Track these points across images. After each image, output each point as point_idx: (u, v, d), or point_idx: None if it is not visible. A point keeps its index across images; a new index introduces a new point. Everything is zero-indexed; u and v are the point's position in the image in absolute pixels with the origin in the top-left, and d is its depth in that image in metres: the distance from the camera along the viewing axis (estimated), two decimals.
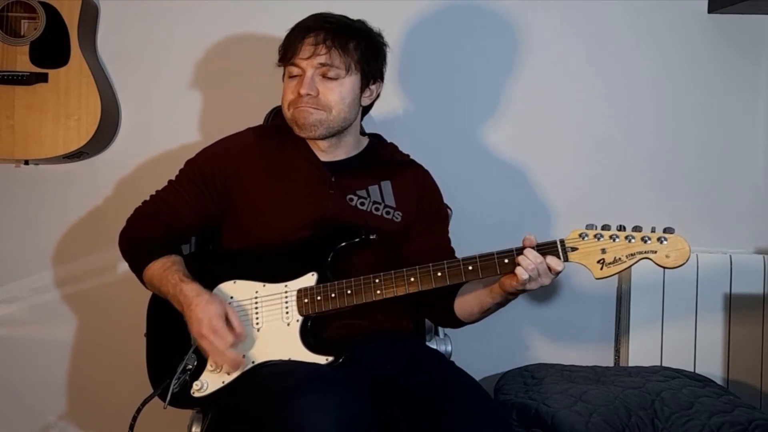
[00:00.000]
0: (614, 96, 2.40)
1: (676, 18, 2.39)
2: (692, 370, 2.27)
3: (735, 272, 2.34)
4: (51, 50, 2.17)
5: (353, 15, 1.81)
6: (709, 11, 2.38)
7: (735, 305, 2.34)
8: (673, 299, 2.33)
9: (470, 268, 1.61)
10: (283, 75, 1.79)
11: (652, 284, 2.33)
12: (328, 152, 1.81)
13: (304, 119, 1.73)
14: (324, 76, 1.72)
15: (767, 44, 2.41)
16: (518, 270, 1.56)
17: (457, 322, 1.80)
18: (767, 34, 2.40)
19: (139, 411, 1.66)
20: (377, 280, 1.64)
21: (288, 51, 1.74)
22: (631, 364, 2.32)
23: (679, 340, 2.33)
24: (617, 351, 2.41)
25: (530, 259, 1.56)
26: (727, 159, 2.42)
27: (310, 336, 1.66)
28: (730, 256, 2.35)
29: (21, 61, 2.16)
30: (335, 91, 1.73)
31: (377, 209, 1.79)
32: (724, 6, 2.32)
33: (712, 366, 2.33)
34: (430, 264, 1.63)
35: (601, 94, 2.40)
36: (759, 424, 1.86)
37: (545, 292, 2.42)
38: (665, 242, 1.53)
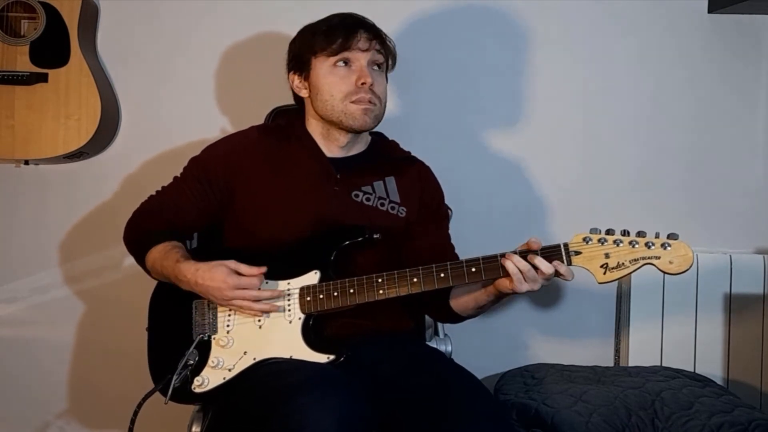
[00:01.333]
0: (614, 96, 2.41)
1: (676, 18, 2.39)
2: (692, 370, 2.27)
3: (735, 272, 2.34)
4: (51, 50, 2.17)
5: (364, 13, 1.82)
6: (709, 11, 2.39)
7: (735, 305, 2.34)
8: (673, 299, 2.33)
9: (473, 269, 1.61)
10: (304, 71, 1.78)
11: (652, 284, 2.33)
12: (345, 148, 1.82)
13: (365, 114, 1.74)
14: (374, 67, 1.76)
15: (767, 44, 2.41)
16: (511, 273, 1.57)
17: (454, 317, 1.81)
18: (767, 34, 2.40)
19: (140, 406, 1.66)
20: (380, 280, 1.64)
21: (341, 42, 1.73)
22: (631, 364, 2.33)
23: (679, 340, 2.34)
24: (617, 351, 2.41)
25: (515, 264, 1.56)
26: (727, 159, 2.43)
27: (312, 334, 1.66)
28: (730, 256, 2.35)
29: (21, 61, 2.16)
30: (383, 84, 1.78)
31: (382, 204, 1.80)
32: (724, 6, 2.32)
33: (712, 366, 2.33)
34: (433, 265, 1.63)
35: (600, 94, 2.40)
36: (759, 424, 1.86)
37: (545, 292, 2.41)
38: (669, 248, 1.53)
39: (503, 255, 1.60)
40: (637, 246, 1.53)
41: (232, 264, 1.64)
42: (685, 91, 2.41)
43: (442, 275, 1.62)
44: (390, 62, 1.81)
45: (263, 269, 1.64)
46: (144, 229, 1.80)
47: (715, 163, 2.43)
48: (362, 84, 1.73)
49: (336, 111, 1.75)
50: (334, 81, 1.74)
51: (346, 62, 1.74)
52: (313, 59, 1.76)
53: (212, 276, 1.63)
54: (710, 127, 2.42)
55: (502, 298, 1.68)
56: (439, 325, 2.05)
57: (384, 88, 1.79)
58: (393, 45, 1.81)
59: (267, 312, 1.66)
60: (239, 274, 1.63)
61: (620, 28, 2.39)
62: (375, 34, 1.76)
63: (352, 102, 1.73)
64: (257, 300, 1.64)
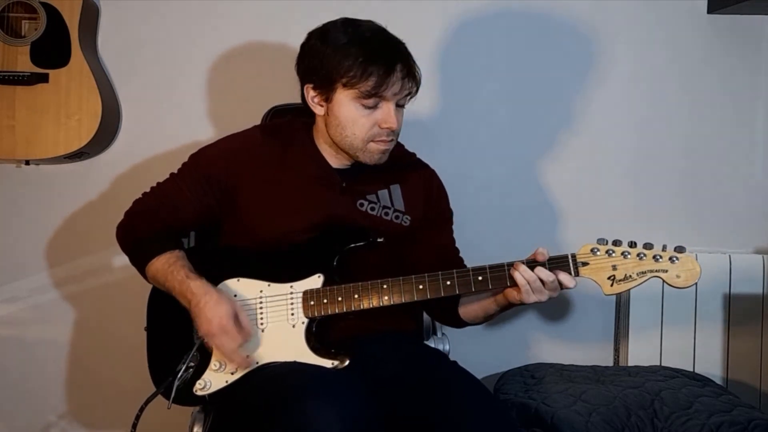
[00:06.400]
0: (613, 96, 2.41)
1: (675, 18, 2.39)
2: (692, 370, 2.27)
3: (734, 272, 2.34)
4: (52, 50, 2.17)
5: (362, 15, 1.76)
6: (709, 11, 2.39)
7: (734, 305, 2.34)
8: (672, 299, 2.33)
9: (480, 278, 1.61)
10: (325, 93, 1.69)
11: (652, 284, 2.31)
12: (348, 161, 1.78)
13: (383, 154, 1.72)
14: (397, 105, 1.69)
15: (766, 44, 2.41)
16: (519, 284, 1.57)
17: (461, 324, 1.81)
18: (766, 35, 2.41)
19: (142, 410, 1.66)
20: (385, 286, 1.64)
21: (375, 83, 1.63)
22: (630, 363, 2.33)
23: (679, 340, 2.34)
24: (617, 351, 2.41)
25: (521, 274, 1.57)
26: (726, 159, 2.43)
27: (315, 339, 1.66)
28: (730, 256, 2.35)
29: (22, 61, 2.16)
30: (401, 119, 1.73)
31: (387, 214, 1.78)
32: (724, 6, 2.32)
33: (711, 366, 2.33)
34: (439, 272, 1.63)
35: (599, 95, 2.40)
36: (758, 423, 1.86)
37: None
38: (676, 262, 1.53)
39: (511, 264, 1.59)
40: (644, 258, 1.53)
41: (238, 308, 1.62)
42: (684, 91, 2.41)
43: (448, 283, 1.61)
44: (414, 93, 1.73)
45: (251, 334, 1.62)
46: (141, 231, 1.75)
47: (715, 163, 2.43)
48: (386, 128, 1.68)
49: (353, 147, 1.71)
50: (358, 119, 1.67)
51: (376, 104, 1.67)
52: (340, 88, 1.66)
53: (214, 309, 1.60)
54: (709, 127, 2.42)
55: (510, 308, 1.69)
56: (437, 324, 2.06)
57: (401, 122, 1.73)
58: (420, 76, 1.71)
59: (228, 363, 1.64)
60: (237, 320, 1.61)
61: (619, 28, 2.39)
62: (409, 69, 1.67)
63: (373, 141, 1.70)
64: (231, 352, 1.62)
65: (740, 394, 2.18)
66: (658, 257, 1.53)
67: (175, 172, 1.81)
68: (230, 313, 1.60)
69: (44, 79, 2.16)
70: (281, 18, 2.33)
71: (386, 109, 1.67)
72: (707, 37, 2.40)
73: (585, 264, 1.56)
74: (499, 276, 1.60)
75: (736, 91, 2.42)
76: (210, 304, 1.60)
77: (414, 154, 1.91)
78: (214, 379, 1.66)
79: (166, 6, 2.34)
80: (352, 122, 1.68)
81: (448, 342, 2.01)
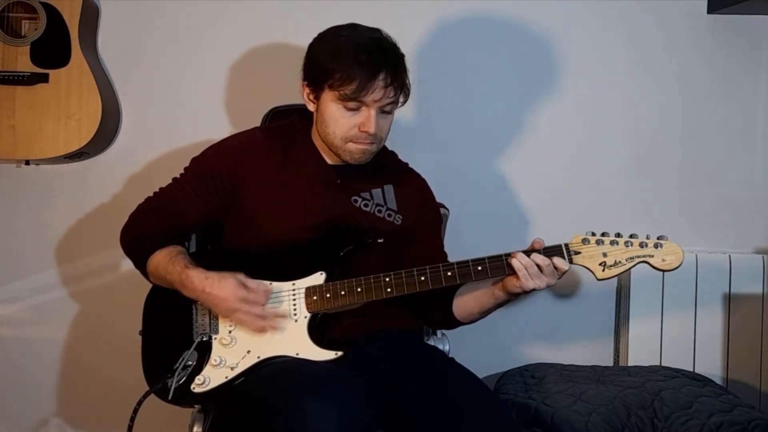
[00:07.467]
0: (612, 96, 2.41)
1: (675, 18, 2.39)
2: (692, 370, 2.27)
3: (734, 272, 2.34)
4: (52, 50, 2.17)
5: (360, 17, 1.79)
6: (709, 11, 2.39)
7: (734, 305, 2.34)
8: (672, 299, 2.33)
9: (479, 268, 1.65)
10: (315, 91, 1.74)
11: (651, 284, 2.33)
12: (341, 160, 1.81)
13: (363, 154, 1.75)
14: (382, 111, 1.72)
15: (766, 44, 2.41)
16: (517, 269, 1.62)
17: (454, 323, 1.82)
18: (767, 35, 2.40)
19: (140, 403, 1.66)
20: (387, 279, 1.66)
21: (355, 89, 1.67)
22: (630, 363, 2.33)
23: (679, 340, 2.34)
24: (617, 351, 2.41)
25: (519, 261, 1.62)
26: (726, 159, 2.43)
27: (318, 332, 1.67)
28: (730, 256, 2.35)
29: (22, 61, 2.17)
30: (387, 124, 1.76)
31: (380, 211, 1.82)
32: (724, 6, 2.32)
33: (711, 365, 2.33)
34: (440, 264, 1.67)
35: (598, 94, 2.40)
36: (758, 423, 1.86)
37: (545, 290, 2.42)
38: (661, 248, 1.62)
39: (509, 254, 1.64)
40: (631, 246, 1.63)
41: (241, 277, 1.65)
42: (684, 91, 2.41)
43: (449, 274, 1.65)
44: (402, 101, 1.76)
45: (269, 288, 1.66)
46: (143, 232, 1.77)
47: (715, 163, 2.43)
48: (364, 131, 1.71)
49: (334, 145, 1.75)
50: (339, 119, 1.72)
51: (358, 108, 1.70)
52: (327, 88, 1.71)
53: (221, 285, 1.63)
54: (709, 126, 2.42)
55: (507, 301, 1.71)
56: None
57: (387, 128, 1.76)
58: (409, 83, 1.75)
59: (266, 330, 1.66)
60: (247, 287, 1.64)
61: (619, 27, 2.39)
62: (394, 75, 1.70)
63: (352, 142, 1.73)
64: (260, 317, 1.65)
65: (740, 394, 2.18)
66: (644, 244, 1.63)
67: (178, 176, 1.83)
68: (238, 283, 1.63)
69: (44, 79, 2.17)
70: (281, 19, 2.33)
71: (367, 114, 1.70)
72: (707, 37, 2.40)
73: (577, 253, 1.64)
74: (498, 265, 1.64)
75: (736, 91, 2.42)
76: (215, 284, 1.64)
77: (407, 164, 1.94)
78: (213, 375, 1.66)
79: (166, 6, 2.34)
80: (334, 121, 1.73)
81: (448, 342, 2.01)
